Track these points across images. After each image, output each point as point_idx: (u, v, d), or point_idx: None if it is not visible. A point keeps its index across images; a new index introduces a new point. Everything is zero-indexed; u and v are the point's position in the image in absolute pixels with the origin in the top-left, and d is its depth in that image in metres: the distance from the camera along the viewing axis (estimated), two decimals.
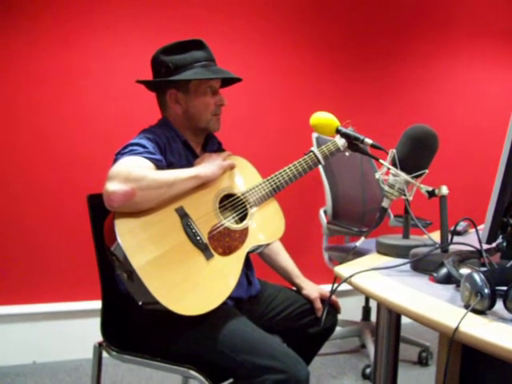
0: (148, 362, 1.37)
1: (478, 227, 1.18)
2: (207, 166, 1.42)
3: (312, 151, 1.54)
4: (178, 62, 1.47)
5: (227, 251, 1.38)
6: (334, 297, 1.64)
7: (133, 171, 1.25)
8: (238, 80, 1.59)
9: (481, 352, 0.76)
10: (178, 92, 1.50)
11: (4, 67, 2.45)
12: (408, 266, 1.20)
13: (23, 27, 2.45)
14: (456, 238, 1.22)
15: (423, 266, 1.15)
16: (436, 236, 1.26)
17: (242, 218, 1.47)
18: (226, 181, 1.49)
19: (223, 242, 1.38)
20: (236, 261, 1.39)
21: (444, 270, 1.06)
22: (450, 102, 3.33)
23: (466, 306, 0.85)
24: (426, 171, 1.27)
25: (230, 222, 1.43)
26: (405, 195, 1.28)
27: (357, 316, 2.77)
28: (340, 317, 1.70)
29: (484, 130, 3.37)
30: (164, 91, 1.51)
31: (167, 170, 1.34)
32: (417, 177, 1.28)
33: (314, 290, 1.63)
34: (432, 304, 0.92)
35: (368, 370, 2.41)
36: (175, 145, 1.48)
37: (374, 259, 1.31)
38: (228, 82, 1.61)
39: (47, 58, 2.50)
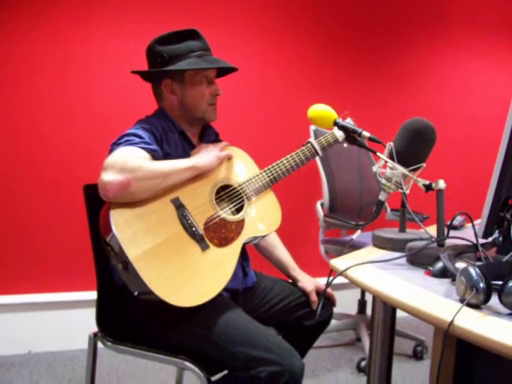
0: (143, 353, 1.37)
1: (475, 222, 1.17)
2: (204, 157, 1.41)
3: (310, 142, 1.54)
4: (172, 52, 1.46)
5: (223, 242, 1.38)
6: (329, 290, 1.64)
7: (128, 161, 1.24)
8: (233, 70, 1.58)
9: (475, 346, 0.76)
10: (173, 82, 1.48)
11: (2, 59, 2.43)
12: (404, 260, 1.20)
13: (20, 20, 2.42)
14: (452, 232, 1.22)
15: (419, 259, 1.15)
16: (432, 230, 1.26)
17: (239, 210, 1.46)
18: (222, 172, 1.48)
19: (219, 233, 1.38)
20: (232, 252, 1.38)
21: (440, 264, 1.05)
22: (448, 95, 3.32)
23: (462, 300, 0.85)
24: (424, 165, 1.27)
25: (226, 214, 1.42)
26: (402, 189, 1.28)
27: (352, 309, 2.78)
28: (335, 310, 1.70)
29: (482, 125, 3.36)
30: (159, 81, 1.50)
31: (163, 161, 1.33)
32: (414, 170, 1.27)
33: (309, 282, 1.63)
34: (427, 298, 0.92)
35: (363, 363, 2.42)
36: (172, 135, 1.47)
37: (370, 252, 1.31)
38: (224, 71, 1.59)
39: (45, 50, 2.47)
